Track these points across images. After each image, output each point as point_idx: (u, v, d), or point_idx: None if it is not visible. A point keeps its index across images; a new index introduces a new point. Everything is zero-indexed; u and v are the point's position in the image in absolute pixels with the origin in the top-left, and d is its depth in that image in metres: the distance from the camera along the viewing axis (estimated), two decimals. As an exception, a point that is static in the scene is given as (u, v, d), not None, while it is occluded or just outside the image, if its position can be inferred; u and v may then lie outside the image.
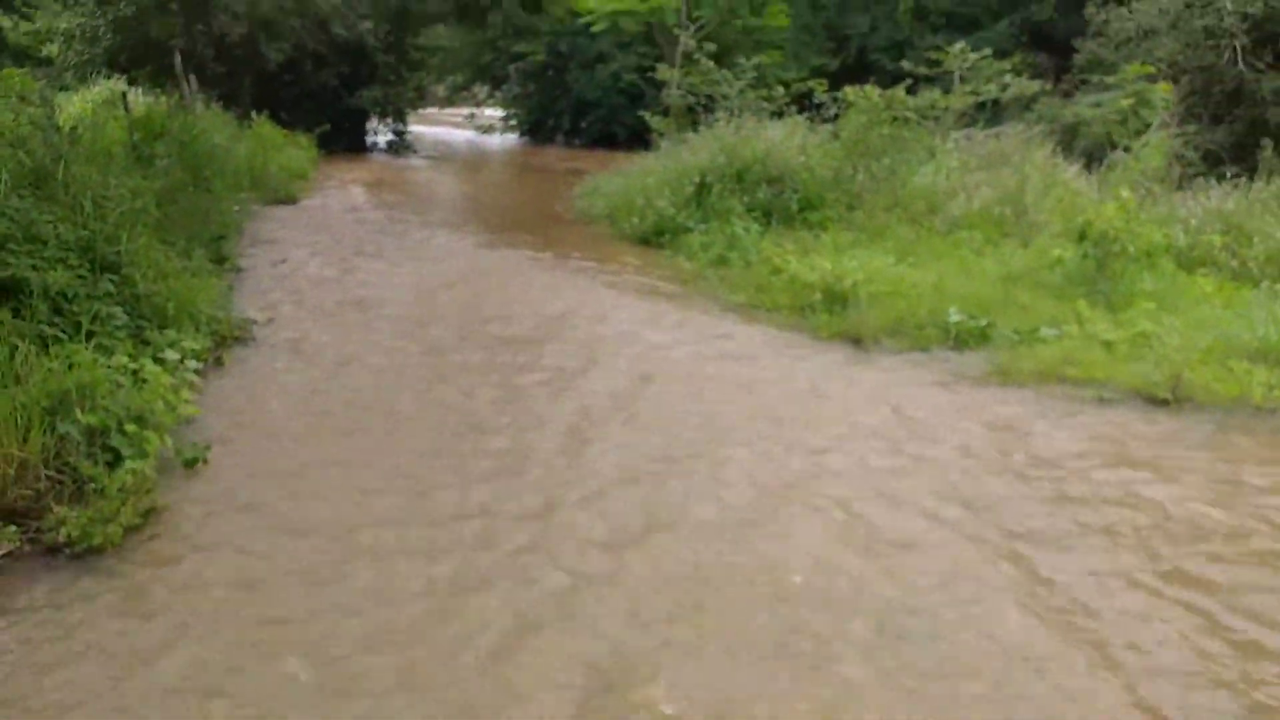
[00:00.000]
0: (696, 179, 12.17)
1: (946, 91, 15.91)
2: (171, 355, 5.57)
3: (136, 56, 20.28)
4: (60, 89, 24.49)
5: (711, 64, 16.11)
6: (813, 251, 9.83)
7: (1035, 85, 16.59)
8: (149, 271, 6.16)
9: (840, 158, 12.36)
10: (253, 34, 19.86)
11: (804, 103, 14.27)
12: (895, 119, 13.73)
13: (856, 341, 7.46)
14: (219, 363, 6.23)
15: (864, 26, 29.86)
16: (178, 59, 17.31)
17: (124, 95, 13.98)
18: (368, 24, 22.21)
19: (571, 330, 7.71)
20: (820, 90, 14.83)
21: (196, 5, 18.83)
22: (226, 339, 6.56)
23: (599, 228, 13.08)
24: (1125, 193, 8.92)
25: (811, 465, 5.02)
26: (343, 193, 15.62)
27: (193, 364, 5.74)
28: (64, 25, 20.14)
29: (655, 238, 11.77)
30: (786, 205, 11.65)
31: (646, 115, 16.19)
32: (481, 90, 37.55)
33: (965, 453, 5.23)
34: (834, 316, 7.89)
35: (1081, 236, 8.40)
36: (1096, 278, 8.26)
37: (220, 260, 8.91)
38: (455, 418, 5.58)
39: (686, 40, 18.48)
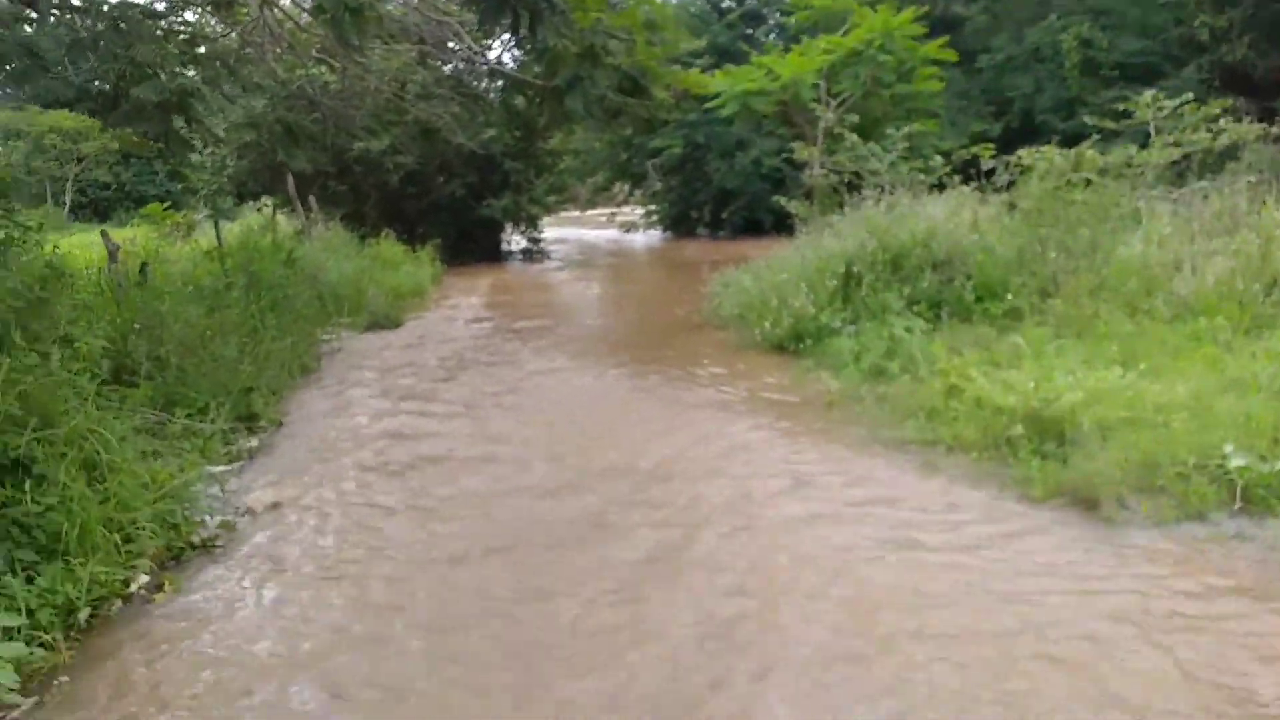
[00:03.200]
0: (841, 269, 9.97)
1: (1143, 147, 13.19)
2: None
3: (261, 182, 20.00)
4: (214, 217, 25.00)
5: (855, 138, 13.99)
6: (1002, 358, 7.40)
7: (1256, 129, 13.56)
8: (70, 467, 4.44)
9: (1024, 232, 9.89)
10: (373, 154, 19.17)
11: (968, 173, 11.92)
12: (1087, 182, 11.19)
13: (1088, 503, 4.97)
14: (160, 589, 4.39)
15: (1027, 86, 27.09)
16: (290, 183, 16.66)
17: (215, 222, 13.13)
18: (493, 132, 21.25)
19: (670, 496, 5.55)
20: (987, 156, 12.44)
21: (315, 134, 18.29)
22: (183, 552, 4.74)
23: (728, 334, 11.00)
24: None
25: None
26: (455, 312, 14.18)
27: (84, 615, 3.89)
28: (195, 158, 20.13)
29: (793, 344, 9.59)
30: (959, 295, 9.27)
31: (783, 200, 14.14)
32: (622, 188, 36.66)
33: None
34: (1048, 462, 5.43)
35: None
36: None
37: (251, 418, 7.28)
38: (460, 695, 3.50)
39: (827, 116, 16.48)
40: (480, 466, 6.24)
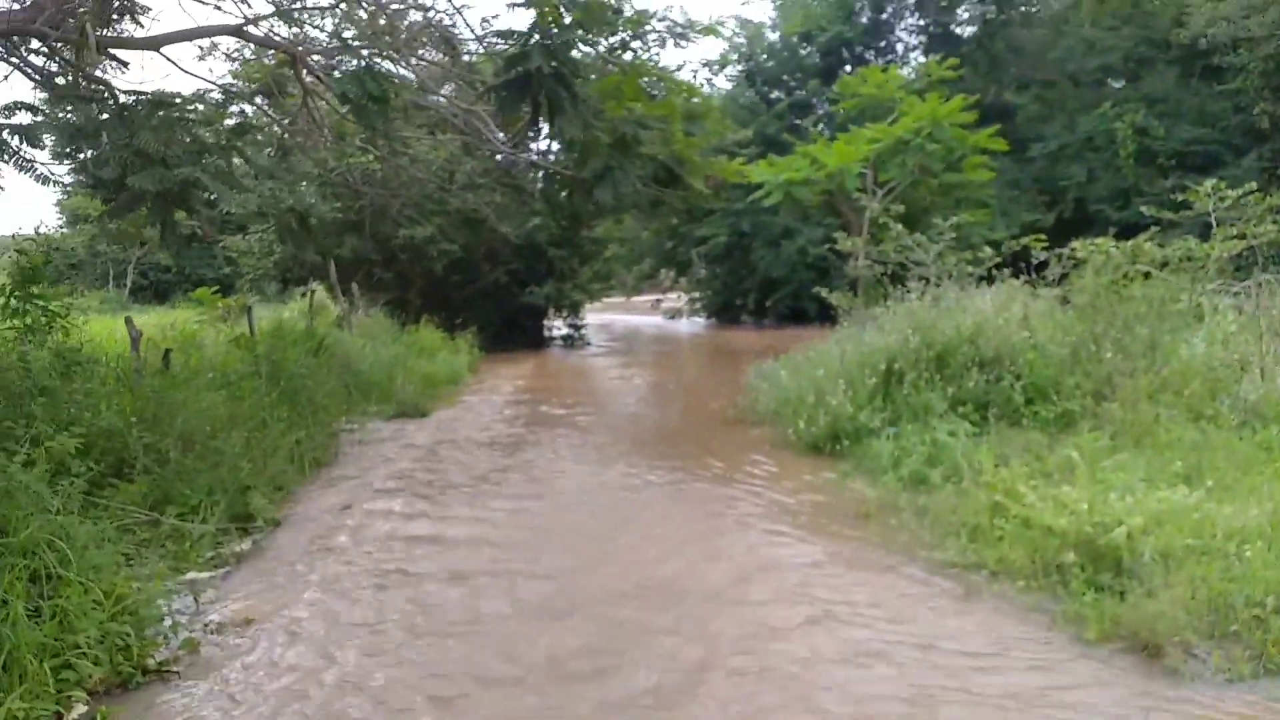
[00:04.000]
0: (882, 365, 9.46)
1: (1203, 239, 12.57)
2: None
3: (306, 268, 20.18)
4: (255, 303, 25.33)
5: (900, 228, 13.57)
6: (1053, 467, 6.80)
7: (1329, 221, 12.85)
8: (15, 582, 4.08)
9: (1078, 330, 9.32)
10: (417, 241, 19.26)
11: (1019, 265, 11.40)
12: (1146, 275, 10.62)
13: (1150, 648, 4.35)
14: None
15: (1080, 176, 26.64)
16: (332, 269, 16.69)
17: (249, 309, 13.07)
18: (538, 221, 21.29)
19: (680, 623, 5.02)
20: (1038, 247, 11.93)
21: (357, 223, 18.48)
22: (133, 678, 4.32)
23: (763, 431, 10.48)
24: None
25: None
26: (487, 403, 13.87)
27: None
28: (242, 244, 20.45)
29: (829, 445, 9.05)
30: (1008, 397, 8.69)
31: (824, 291, 13.73)
32: (668, 275, 36.68)
33: None
34: (1104, 595, 4.82)
35: None
36: None
37: (247, 517, 6.92)
38: None
39: (872, 206, 16.16)
40: (484, 584, 5.77)
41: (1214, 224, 13.05)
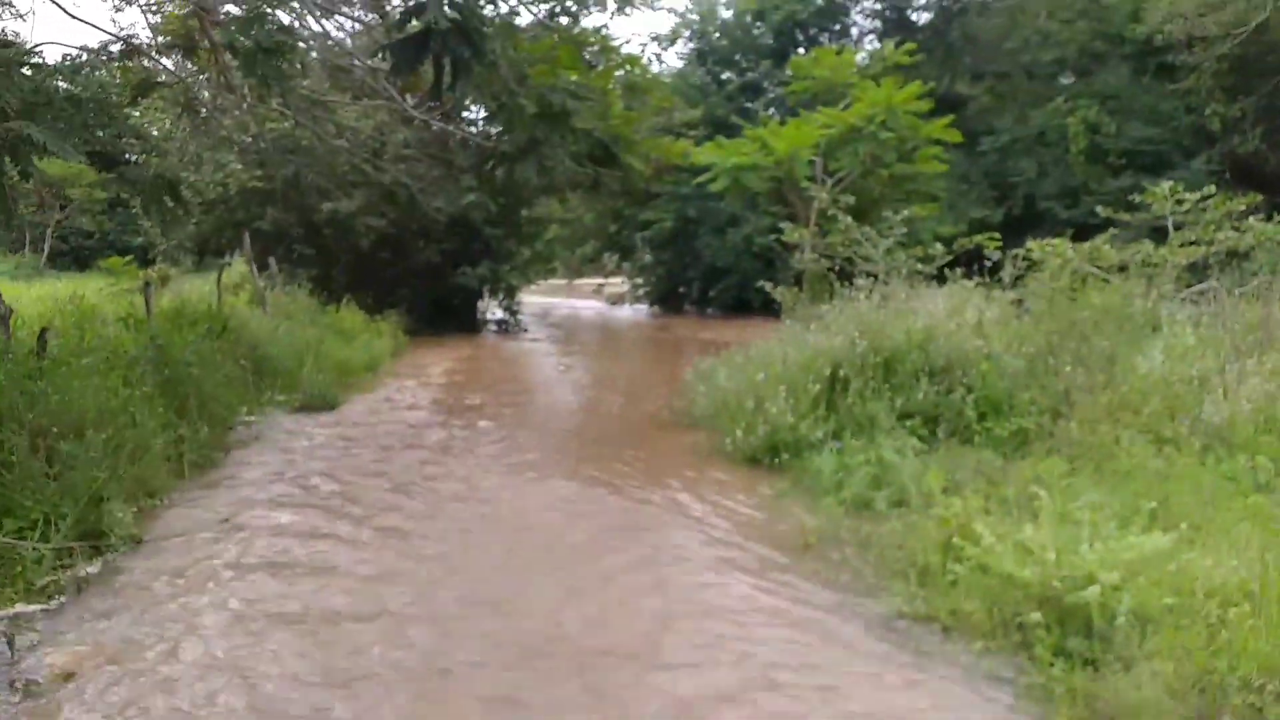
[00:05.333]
0: (826, 371, 8.82)
1: (1158, 243, 12.17)
2: None
3: (225, 240, 19.01)
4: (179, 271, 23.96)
5: (850, 220, 12.97)
6: (1008, 493, 6.20)
7: (1285, 228, 12.52)
8: None
9: (1034, 339, 8.77)
10: (342, 215, 18.16)
11: (971, 265, 10.84)
12: (1105, 280, 10.16)
13: (1131, 740, 3.73)
14: None
15: (1031, 172, 26.42)
16: (246, 243, 15.59)
17: (147, 285, 11.99)
18: (473, 197, 20.33)
19: (589, 694, 4.29)
20: (993, 246, 11.40)
21: (277, 193, 17.36)
22: None
23: (699, 437, 9.80)
24: None
25: None
26: (403, 393, 12.99)
27: None
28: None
29: (768, 457, 8.39)
30: (959, 411, 8.10)
31: (768, 286, 13.09)
32: (611, 260, 35.89)
33: None
34: (1073, 665, 4.19)
35: None
36: None
37: (98, 535, 6.01)
38: None
39: (822, 196, 15.52)
40: (358, 632, 4.97)
41: (1170, 228, 12.67)
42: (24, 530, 5.78)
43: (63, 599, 5.28)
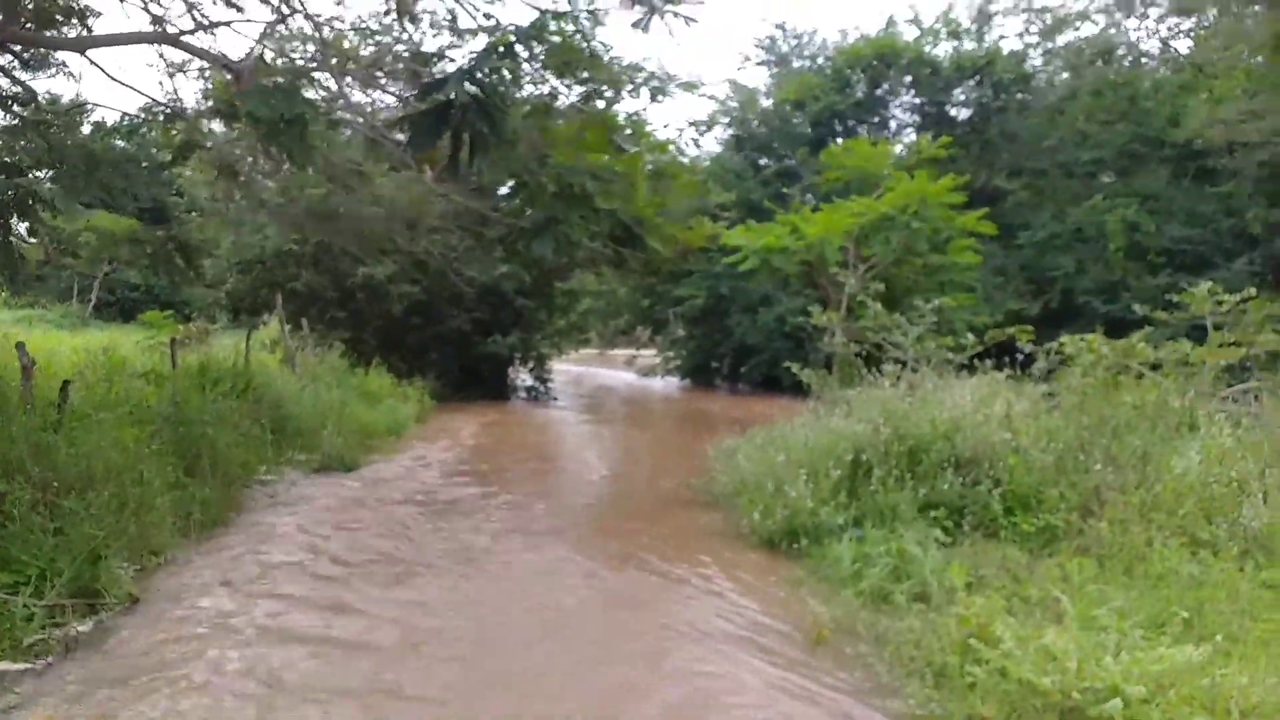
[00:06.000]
0: (849, 456, 8.62)
1: (1194, 341, 11.95)
2: None
3: (260, 300, 19.26)
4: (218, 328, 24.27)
5: (879, 307, 12.87)
6: (1034, 592, 5.95)
7: (1325, 333, 12.24)
8: None
9: (1065, 434, 8.53)
10: (376, 280, 18.35)
11: (1002, 356, 10.66)
12: (1139, 376, 9.93)
13: None
14: None
15: (1069, 266, 26.23)
16: (278, 301, 15.76)
17: (173, 341, 12.11)
18: (506, 268, 20.51)
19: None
20: (1025, 339, 11.23)
21: (308, 256, 17.59)
22: None
23: (718, 517, 9.59)
24: None
25: None
26: (425, 459, 12.89)
27: None
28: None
29: (785, 542, 8.16)
30: (986, 504, 7.84)
31: (795, 368, 12.96)
32: (644, 332, 36.02)
33: None
34: (1097, 788, 3.92)
35: None
36: None
37: (94, 593, 5.88)
38: None
39: (851, 282, 15.48)
40: (369, 702, 4.78)
41: (1209, 328, 12.44)
42: (18, 585, 5.67)
43: (50, 659, 5.14)
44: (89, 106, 7.49)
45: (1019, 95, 30.28)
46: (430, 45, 14.62)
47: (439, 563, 7.59)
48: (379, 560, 7.58)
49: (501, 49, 6.78)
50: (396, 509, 9.51)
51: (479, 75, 6.49)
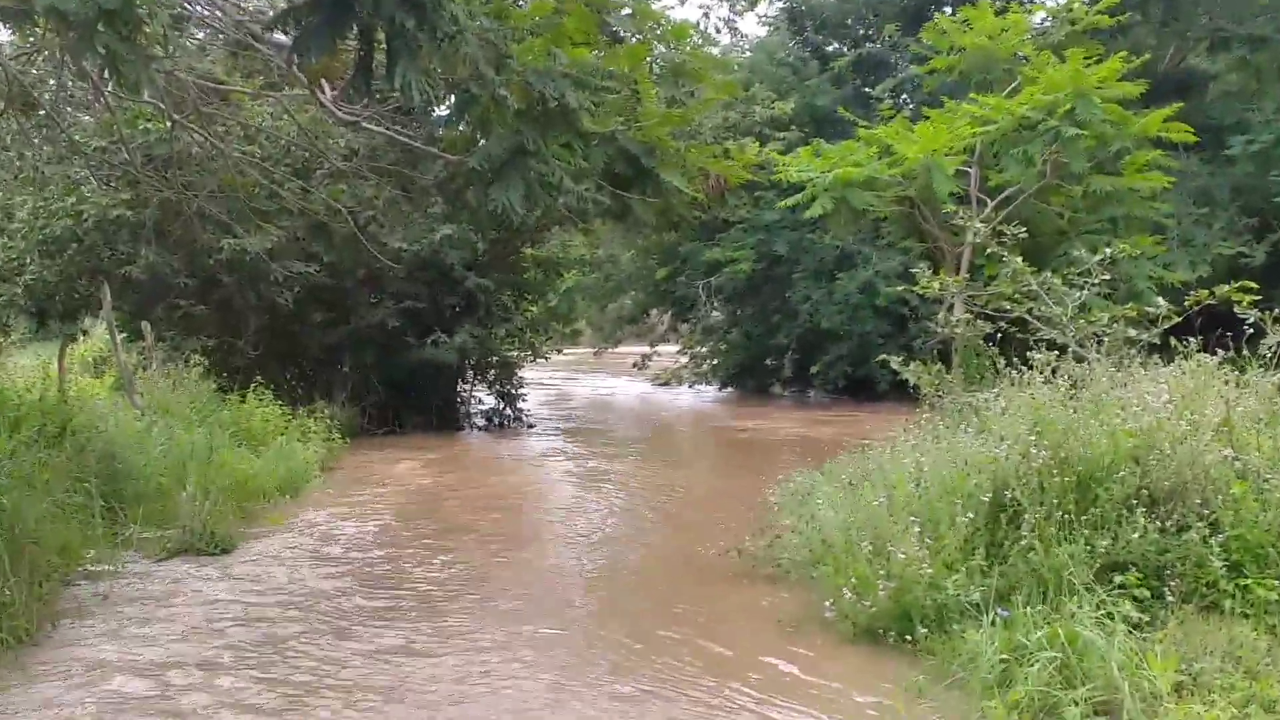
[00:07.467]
0: (986, 495, 8.65)
1: None
2: None
3: (74, 298, 19.42)
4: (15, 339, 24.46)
5: (1020, 262, 12.87)
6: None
7: None
8: None
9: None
10: (251, 257, 18.38)
11: (1213, 330, 10.66)
12: None
13: None
14: None
15: (1308, 183, 26.16)
16: (105, 296, 15.87)
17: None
18: (448, 230, 20.63)
19: None
20: (1246, 303, 11.16)
21: (151, 224, 17.67)
22: None
23: (786, 596, 9.73)
24: None
25: None
26: (337, 534, 12.93)
27: None
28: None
29: (893, 630, 8.28)
30: (1200, 561, 7.89)
31: (894, 362, 12.98)
32: (661, 319, 36.28)
33: None
34: None
35: None
36: None
37: None
38: None
39: (977, 225, 15.46)
40: None
41: None
42: None
43: None
44: None
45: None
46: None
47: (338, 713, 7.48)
48: (249, 711, 7.44)
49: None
50: (282, 621, 9.39)
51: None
